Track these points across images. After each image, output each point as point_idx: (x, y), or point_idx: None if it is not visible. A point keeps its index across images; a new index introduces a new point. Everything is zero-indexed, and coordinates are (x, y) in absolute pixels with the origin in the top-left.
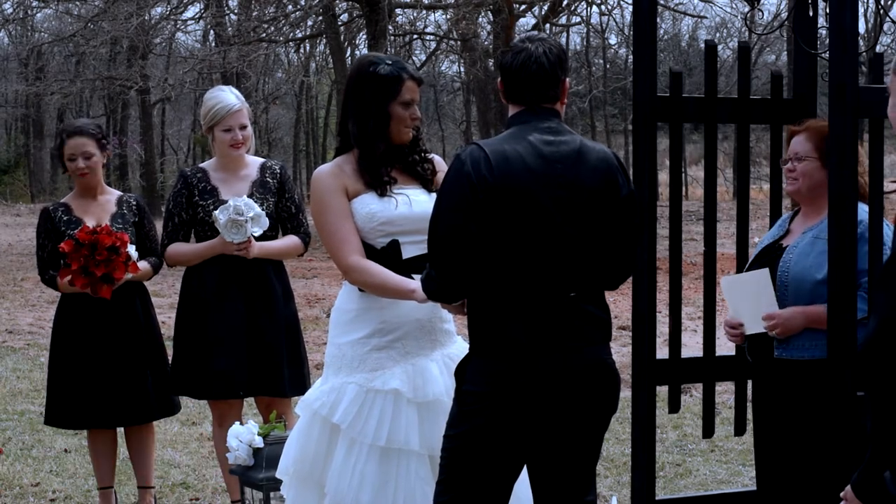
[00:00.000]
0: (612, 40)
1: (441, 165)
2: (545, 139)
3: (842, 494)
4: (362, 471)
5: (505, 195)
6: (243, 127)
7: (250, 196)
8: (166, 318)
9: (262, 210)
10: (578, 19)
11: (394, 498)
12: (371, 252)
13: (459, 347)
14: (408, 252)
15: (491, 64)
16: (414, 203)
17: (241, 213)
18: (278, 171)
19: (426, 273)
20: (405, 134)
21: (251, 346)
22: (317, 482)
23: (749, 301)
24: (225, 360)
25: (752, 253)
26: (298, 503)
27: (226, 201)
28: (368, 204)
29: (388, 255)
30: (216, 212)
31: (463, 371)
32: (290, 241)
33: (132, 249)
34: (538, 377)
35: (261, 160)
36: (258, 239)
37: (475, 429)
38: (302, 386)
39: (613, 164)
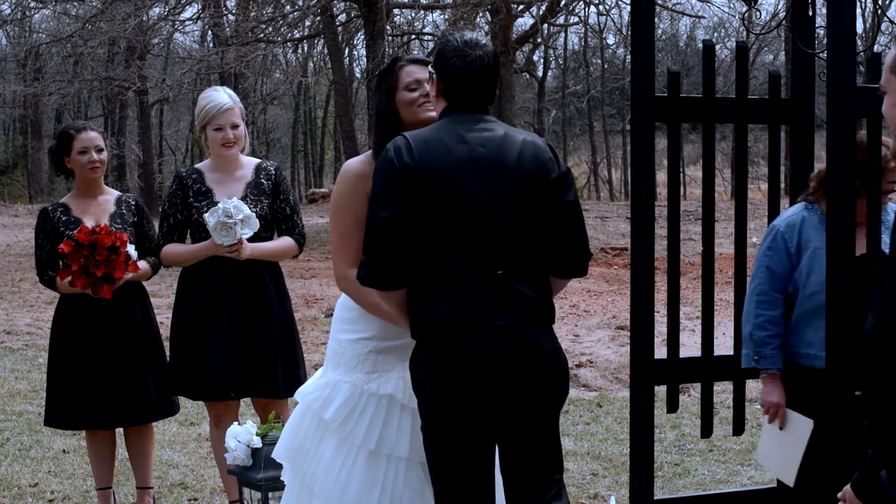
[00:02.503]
0: (610, 40)
1: None
2: (469, 127)
3: (839, 495)
4: (350, 471)
5: (426, 178)
6: (235, 126)
7: (244, 197)
8: (164, 319)
9: (255, 212)
10: (576, 19)
11: (378, 501)
12: None
13: None
14: None
15: None
16: None
17: (230, 215)
18: (273, 171)
19: (361, 262)
20: (420, 114)
21: (244, 347)
22: (301, 472)
23: (783, 444)
24: (216, 362)
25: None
26: (291, 491)
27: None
28: None
29: None
30: (206, 214)
31: (414, 362)
32: (284, 242)
33: (132, 249)
34: (472, 360)
35: (256, 161)
36: (251, 240)
37: (431, 414)
38: (297, 387)
39: (542, 148)
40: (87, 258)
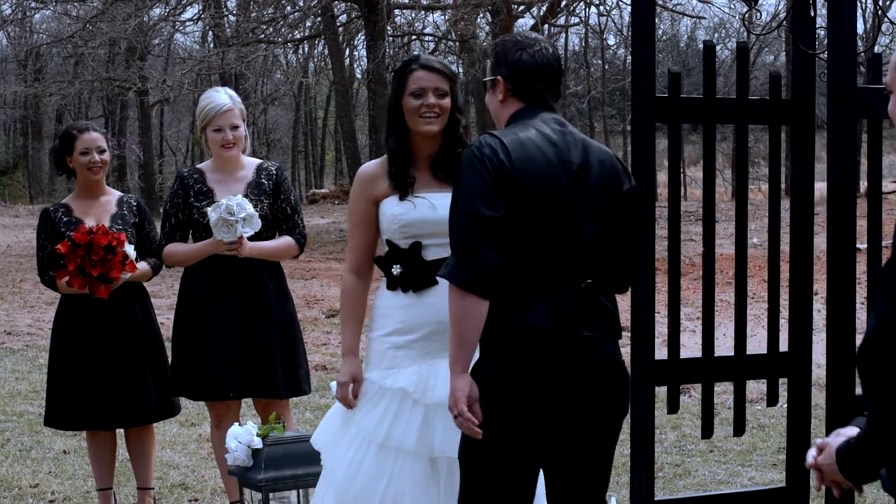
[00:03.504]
0: (611, 41)
1: None
2: (553, 128)
3: (819, 443)
4: (360, 461)
5: (524, 179)
6: (234, 127)
7: (245, 197)
8: (165, 320)
9: (256, 211)
10: (577, 20)
11: (383, 493)
12: (396, 252)
13: None
14: (433, 254)
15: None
16: (439, 207)
17: (232, 212)
18: (274, 172)
19: (453, 263)
20: (423, 125)
21: (244, 347)
22: (324, 462)
23: None
24: (216, 362)
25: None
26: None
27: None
28: (392, 207)
29: (410, 256)
30: (209, 209)
31: (477, 373)
32: (285, 241)
33: (130, 249)
34: (558, 372)
35: (257, 161)
36: (252, 239)
37: (490, 427)
38: (297, 387)
39: (615, 159)
40: (83, 258)
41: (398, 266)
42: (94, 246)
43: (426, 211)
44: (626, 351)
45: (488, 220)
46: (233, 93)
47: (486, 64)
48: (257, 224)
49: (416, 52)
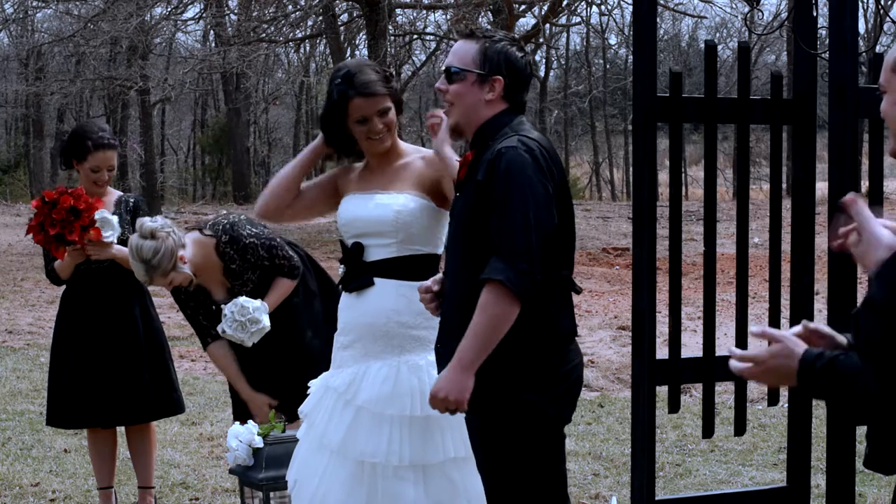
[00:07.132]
0: (612, 40)
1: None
2: (541, 134)
3: (763, 331)
4: (304, 454)
5: (560, 187)
6: (169, 284)
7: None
8: (167, 319)
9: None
10: (578, 19)
11: (314, 491)
12: (343, 251)
13: (429, 358)
14: (375, 255)
15: None
16: (376, 206)
17: (244, 315)
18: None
19: (509, 268)
20: (372, 147)
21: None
22: None
23: None
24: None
25: None
26: None
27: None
28: (341, 205)
29: (351, 256)
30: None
31: (518, 378)
32: (281, 285)
33: (112, 218)
34: (581, 366)
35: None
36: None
37: (551, 425)
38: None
39: None
40: (46, 216)
41: (342, 266)
42: (58, 205)
43: (358, 210)
44: (626, 350)
45: (550, 229)
46: (155, 255)
47: (471, 52)
48: (259, 333)
49: (346, 69)
